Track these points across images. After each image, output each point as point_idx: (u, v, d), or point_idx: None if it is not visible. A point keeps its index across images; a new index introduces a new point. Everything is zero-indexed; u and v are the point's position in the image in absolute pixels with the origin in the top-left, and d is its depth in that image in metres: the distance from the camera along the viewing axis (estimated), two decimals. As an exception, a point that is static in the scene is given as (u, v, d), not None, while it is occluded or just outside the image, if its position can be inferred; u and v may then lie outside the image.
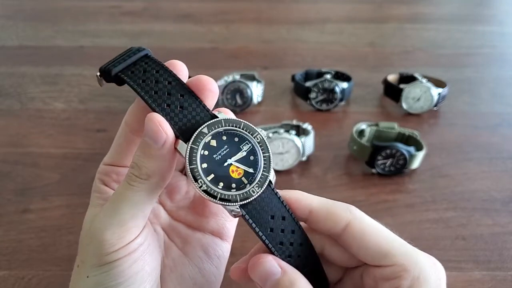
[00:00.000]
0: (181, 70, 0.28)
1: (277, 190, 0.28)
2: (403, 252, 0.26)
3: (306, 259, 0.28)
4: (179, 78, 0.28)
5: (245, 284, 0.28)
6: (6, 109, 0.78)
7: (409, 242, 0.27)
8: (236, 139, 0.28)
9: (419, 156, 0.63)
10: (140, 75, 0.28)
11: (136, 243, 0.28)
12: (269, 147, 0.28)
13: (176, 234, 0.33)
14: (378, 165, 0.62)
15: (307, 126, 0.66)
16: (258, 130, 0.28)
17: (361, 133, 0.68)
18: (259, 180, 0.27)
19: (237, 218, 0.34)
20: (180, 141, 0.27)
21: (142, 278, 0.28)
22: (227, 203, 0.26)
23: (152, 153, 0.27)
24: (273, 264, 0.26)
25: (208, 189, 0.26)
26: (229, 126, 0.27)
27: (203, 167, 0.27)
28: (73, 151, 0.67)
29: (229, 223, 0.34)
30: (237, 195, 0.26)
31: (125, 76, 0.28)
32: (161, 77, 0.28)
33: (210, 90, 0.28)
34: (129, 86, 0.28)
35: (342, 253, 0.28)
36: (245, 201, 0.26)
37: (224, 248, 0.33)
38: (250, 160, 0.27)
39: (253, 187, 0.27)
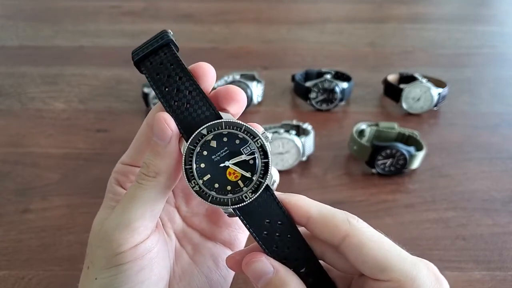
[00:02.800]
0: (208, 72, 0.28)
1: (278, 193, 0.28)
2: (401, 268, 0.25)
3: (304, 261, 0.27)
4: (190, 74, 0.28)
5: (238, 273, 0.29)
6: (6, 109, 0.78)
7: (412, 253, 0.26)
8: (237, 142, 0.27)
9: (419, 156, 0.63)
10: (156, 67, 0.28)
11: (145, 248, 0.28)
12: (269, 152, 0.27)
13: (187, 241, 0.33)
14: (378, 165, 0.62)
15: (307, 126, 0.66)
16: (259, 134, 0.27)
17: (361, 133, 0.68)
18: (253, 186, 0.27)
19: (247, 232, 0.34)
20: (183, 140, 0.27)
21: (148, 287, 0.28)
22: (218, 206, 0.27)
23: (159, 151, 0.27)
24: (266, 263, 0.26)
25: (200, 190, 0.26)
26: (230, 128, 0.27)
27: (200, 167, 0.27)
28: (73, 151, 0.67)
29: (241, 235, 0.33)
30: (229, 199, 0.27)
31: (144, 68, 0.28)
32: (173, 71, 0.28)
33: (238, 101, 0.28)
34: (145, 77, 0.28)
35: (343, 261, 0.27)
36: (236, 206, 0.26)
37: None
38: (248, 164, 0.27)
39: (247, 192, 0.27)
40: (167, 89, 0.27)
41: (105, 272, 0.27)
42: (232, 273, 0.33)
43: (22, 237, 0.52)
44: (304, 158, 0.64)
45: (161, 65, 0.28)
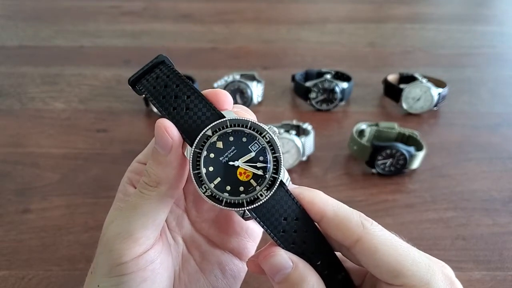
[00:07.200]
0: (225, 99, 0.27)
1: (292, 187, 0.27)
2: (414, 273, 0.24)
3: (320, 254, 0.27)
4: (187, 80, 0.27)
5: (259, 275, 0.28)
6: (6, 109, 0.78)
7: (425, 251, 0.26)
8: (244, 140, 0.27)
9: (419, 156, 0.63)
10: (152, 82, 0.28)
11: (147, 259, 0.27)
12: (279, 146, 0.26)
13: (195, 247, 0.32)
14: (378, 165, 0.62)
15: (307, 126, 0.66)
16: (267, 129, 0.26)
17: (361, 133, 0.68)
18: (267, 183, 0.26)
19: (258, 240, 0.33)
20: (187, 145, 0.26)
21: None
22: (234, 208, 0.26)
23: (160, 160, 0.26)
24: (284, 257, 0.26)
25: (213, 194, 0.26)
26: (236, 126, 0.26)
27: (209, 170, 0.26)
28: (73, 151, 0.67)
29: (251, 244, 0.33)
30: (244, 200, 0.26)
31: (140, 86, 0.28)
32: (170, 81, 0.27)
33: (229, 102, 0.28)
34: (144, 94, 0.28)
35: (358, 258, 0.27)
36: (252, 206, 0.26)
37: (241, 269, 0.33)
38: (259, 161, 0.26)
39: (261, 190, 0.26)
40: (164, 98, 0.27)
41: (107, 280, 0.27)
42: (239, 283, 0.33)
43: (22, 237, 0.52)
44: (304, 158, 0.64)
45: (158, 79, 0.28)
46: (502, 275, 0.48)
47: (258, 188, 0.26)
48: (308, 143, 0.64)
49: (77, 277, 0.47)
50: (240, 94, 0.77)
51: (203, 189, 0.26)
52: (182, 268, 0.31)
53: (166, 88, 0.27)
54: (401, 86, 0.79)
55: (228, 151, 0.26)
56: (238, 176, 0.26)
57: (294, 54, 1.02)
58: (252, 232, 0.33)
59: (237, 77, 0.79)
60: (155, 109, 0.76)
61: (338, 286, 0.28)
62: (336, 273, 0.28)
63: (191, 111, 0.27)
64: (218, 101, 0.27)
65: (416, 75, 0.81)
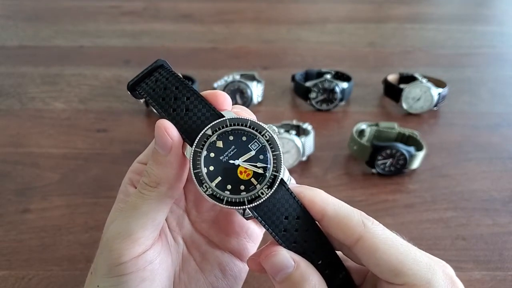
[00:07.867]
0: (224, 99, 0.27)
1: (292, 185, 0.27)
2: (415, 272, 0.24)
3: (321, 254, 0.27)
4: (186, 82, 0.27)
5: (259, 274, 0.28)
6: (6, 109, 0.78)
7: (427, 251, 0.26)
8: (244, 139, 0.27)
9: (419, 156, 0.63)
10: (152, 85, 0.28)
11: (146, 260, 0.27)
12: (279, 144, 0.26)
13: (195, 247, 0.32)
14: (378, 165, 0.62)
15: (307, 126, 0.66)
16: (266, 127, 0.27)
17: (361, 133, 0.68)
18: (268, 181, 0.26)
19: (258, 242, 0.33)
20: (188, 145, 0.27)
21: None
22: (235, 207, 0.26)
23: (160, 160, 0.26)
24: (286, 257, 0.26)
25: (214, 193, 0.26)
26: (235, 125, 0.26)
27: (209, 170, 0.26)
28: (73, 151, 0.67)
29: (251, 245, 0.33)
30: (245, 198, 0.26)
31: (139, 89, 0.28)
32: (169, 83, 0.28)
33: (229, 104, 0.28)
34: (144, 97, 0.28)
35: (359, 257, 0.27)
36: (253, 204, 0.26)
37: (242, 269, 0.33)
38: (259, 160, 0.26)
39: (262, 188, 0.26)
40: (164, 100, 0.27)
41: (106, 281, 0.27)
42: (240, 283, 0.33)
43: (22, 237, 0.52)
44: (304, 158, 0.64)
45: (157, 82, 0.28)
46: (502, 275, 0.48)
47: (258, 186, 0.26)
48: (308, 143, 0.64)
49: (77, 277, 0.47)
50: (240, 94, 0.77)
51: (204, 188, 0.26)
52: (182, 268, 0.31)
53: (166, 90, 0.27)
54: (401, 86, 0.79)
55: (228, 150, 0.27)
56: (239, 175, 0.26)
57: (294, 54, 1.02)
58: (252, 233, 0.33)
59: (237, 77, 0.79)
60: (155, 110, 0.76)
61: (339, 285, 0.28)
62: (337, 272, 0.28)
63: (190, 112, 0.27)
64: (217, 102, 0.27)
65: (416, 75, 0.81)
